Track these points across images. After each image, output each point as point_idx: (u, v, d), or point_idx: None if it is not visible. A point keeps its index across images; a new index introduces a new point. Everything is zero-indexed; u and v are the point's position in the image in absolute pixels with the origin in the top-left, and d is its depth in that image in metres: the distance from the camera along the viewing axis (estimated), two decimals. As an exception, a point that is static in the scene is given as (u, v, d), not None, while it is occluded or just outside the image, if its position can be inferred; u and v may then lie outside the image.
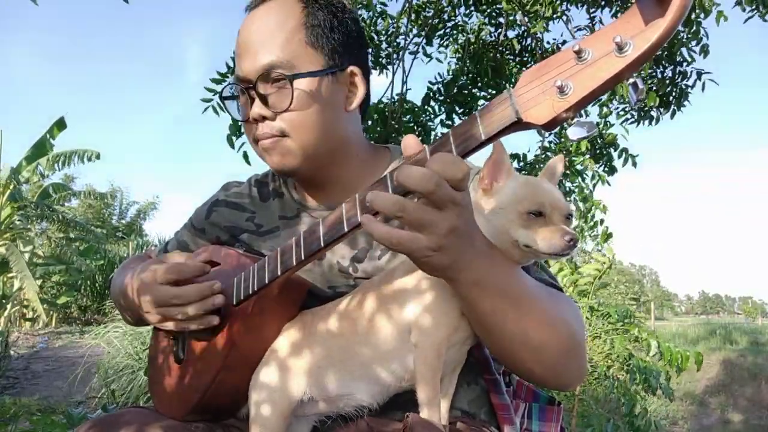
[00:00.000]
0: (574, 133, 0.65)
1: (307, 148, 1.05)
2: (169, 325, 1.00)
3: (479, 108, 0.71)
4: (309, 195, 1.18)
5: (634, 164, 3.71)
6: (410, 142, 0.75)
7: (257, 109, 1.01)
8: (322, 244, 0.82)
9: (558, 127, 0.67)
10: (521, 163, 3.94)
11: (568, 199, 3.61)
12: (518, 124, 0.67)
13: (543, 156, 3.81)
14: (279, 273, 0.90)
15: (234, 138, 2.91)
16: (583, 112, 0.68)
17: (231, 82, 1.09)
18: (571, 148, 3.72)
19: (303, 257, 0.86)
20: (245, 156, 2.95)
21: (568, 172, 3.69)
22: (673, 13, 0.57)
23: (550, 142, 4.00)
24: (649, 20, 0.59)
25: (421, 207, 0.71)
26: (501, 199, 0.83)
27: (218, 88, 2.87)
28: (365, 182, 0.81)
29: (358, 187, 1.03)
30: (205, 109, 2.87)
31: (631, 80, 0.61)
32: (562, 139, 3.94)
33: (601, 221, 3.68)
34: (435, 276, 0.83)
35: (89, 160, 11.92)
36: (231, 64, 2.88)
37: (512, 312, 0.83)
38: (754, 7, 3.38)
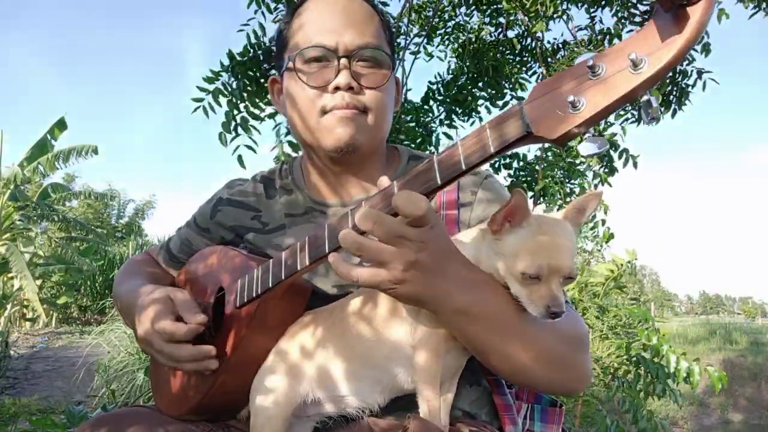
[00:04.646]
0: (585, 148, 0.64)
1: (379, 130, 1.11)
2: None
3: (489, 119, 0.71)
4: (323, 191, 1.18)
5: (635, 165, 3.70)
6: (382, 181, 0.81)
7: (347, 79, 1.04)
8: (326, 249, 0.82)
9: (569, 142, 0.66)
10: (521, 163, 3.93)
11: (569, 199, 3.59)
12: (529, 138, 0.66)
13: (544, 156, 3.80)
14: (283, 277, 0.89)
15: (226, 136, 2.82)
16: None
17: (308, 46, 1.06)
18: (571, 149, 3.71)
19: (308, 262, 0.85)
20: (240, 159, 2.90)
21: (568, 172, 3.68)
22: (690, 31, 0.56)
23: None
24: (665, 38, 0.58)
25: (376, 245, 0.75)
26: (504, 246, 0.81)
27: (211, 87, 2.79)
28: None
29: (373, 187, 1.07)
30: (195, 110, 2.76)
31: (645, 98, 0.60)
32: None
33: (603, 221, 3.66)
34: (411, 305, 0.84)
35: (87, 154, 11.92)
36: (226, 62, 2.83)
37: (500, 338, 0.83)
38: (756, 3, 3.37)
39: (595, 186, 3.65)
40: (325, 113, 1.06)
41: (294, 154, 2.98)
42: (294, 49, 1.09)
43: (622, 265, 3.27)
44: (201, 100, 2.79)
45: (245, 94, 2.85)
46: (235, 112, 2.84)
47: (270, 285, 0.92)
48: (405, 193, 0.74)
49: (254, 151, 2.91)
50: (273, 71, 2.70)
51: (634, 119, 4.00)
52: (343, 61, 1.04)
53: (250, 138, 2.88)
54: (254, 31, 2.89)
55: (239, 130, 2.85)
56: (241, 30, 2.92)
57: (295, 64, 1.08)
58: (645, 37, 0.60)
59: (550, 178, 3.50)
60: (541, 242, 0.79)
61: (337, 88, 1.04)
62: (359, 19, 1.08)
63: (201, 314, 0.97)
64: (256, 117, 2.90)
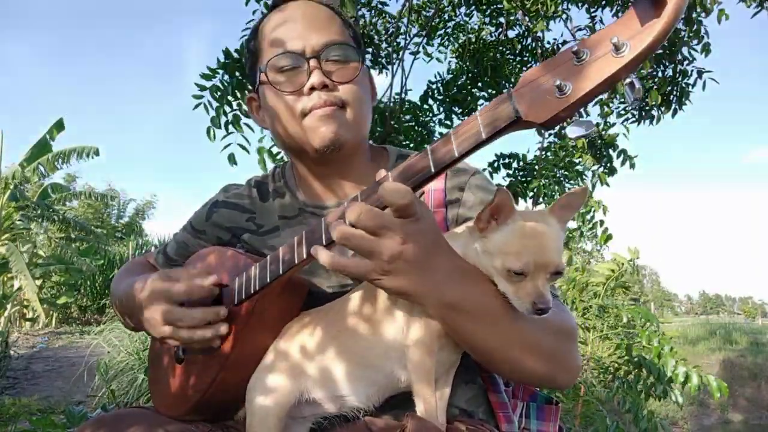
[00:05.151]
0: (572, 131, 0.66)
1: (360, 124, 1.12)
2: (172, 342, 1.00)
3: (480, 108, 0.72)
4: (316, 193, 1.19)
5: (632, 166, 3.70)
6: (380, 173, 0.81)
7: (320, 78, 1.05)
8: (324, 242, 0.83)
9: (557, 126, 0.68)
10: (521, 163, 3.94)
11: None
12: (518, 123, 0.68)
13: (543, 156, 3.80)
14: (281, 272, 0.90)
15: (214, 131, 2.86)
16: (582, 111, 0.69)
17: (276, 55, 1.08)
18: (570, 149, 3.71)
19: (305, 256, 0.86)
20: (230, 158, 2.91)
21: (567, 173, 3.68)
22: (668, 15, 0.59)
23: (549, 143, 3.99)
24: (645, 22, 0.61)
25: (362, 235, 0.76)
26: (490, 243, 0.82)
27: (208, 84, 2.83)
28: (369, 182, 0.83)
29: (362, 186, 1.07)
30: (196, 106, 2.80)
31: (628, 80, 0.63)
32: (562, 140, 3.93)
33: (601, 222, 3.67)
34: (400, 298, 0.85)
35: (88, 156, 11.92)
36: (223, 59, 2.85)
37: (490, 332, 0.84)
38: (759, 2, 3.36)
39: (594, 186, 3.66)
40: (305, 115, 1.07)
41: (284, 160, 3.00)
42: (264, 62, 1.11)
43: (623, 264, 3.26)
44: (201, 97, 2.82)
45: (238, 92, 2.87)
46: (227, 108, 2.86)
47: (268, 280, 0.92)
48: (390, 184, 0.75)
49: (247, 150, 2.93)
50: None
51: (634, 119, 4.00)
52: (313, 62, 1.06)
53: (242, 136, 2.91)
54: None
55: (230, 127, 2.88)
56: (243, 36, 2.94)
57: (268, 75, 1.09)
58: (626, 23, 0.63)
59: (547, 179, 3.50)
60: (526, 239, 0.79)
61: (312, 89, 1.06)
62: (321, 20, 1.11)
63: (211, 275, 0.98)
64: (248, 115, 2.92)
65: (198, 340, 0.96)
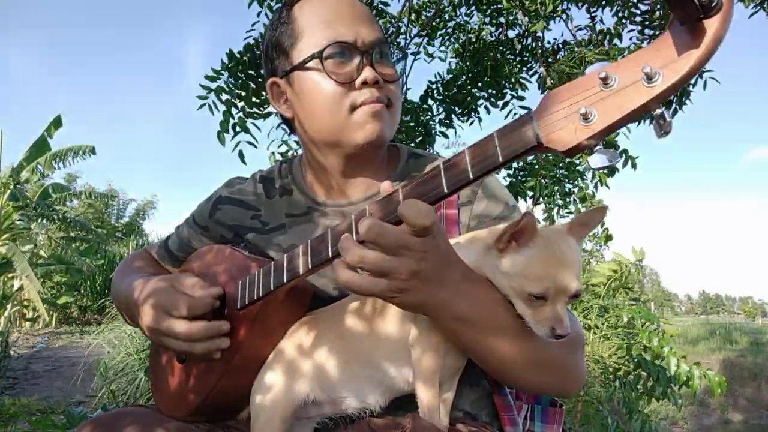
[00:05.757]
0: (595, 161, 0.62)
1: (396, 125, 1.12)
2: (173, 350, 1.00)
3: (498, 128, 0.68)
4: (326, 190, 1.17)
5: (634, 166, 3.69)
6: (385, 187, 0.80)
7: (374, 74, 1.04)
8: (330, 255, 0.82)
9: (578, 154, 0.64)
10: (521, 163, 3.93)
11: (567, 199, 3.58)
12: (538, 148, 0.65)
13: (544, 156, 3.79)
14: (285, 280, 0.89)
15: (224, 135, 2.87)
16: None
17: (331, 43, 1.04)
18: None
19: (310, 266, 0.85)
20: (241, 155, 2.92)
21: (567, 172, 3.67)
22: (707, 45, 0.55)
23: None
24: (681, 51, 0.56)
25: (379, 256, 0.74)
26: (510, 265, 0.80)
27: (213, 85, 2.83)
28: (381, 180, 0.82)
29: (374, 185, 1.09)
30: (200, 107, 2.81)
31: (658, 111, 0.58)
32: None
33: (602, 223, 3.66)
34: (412, 312, 0.84)
35: (84, 155, 11.92)
36: (226, 61, 2.86)
37: (498, 343, 0.83)
38: (758, 2, 3.35)
39: (595, 186, 3.65)
40: (354, 109, 1.04)
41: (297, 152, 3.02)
42: (307, 48, 1.07)
43: (626, 264, 3.25)
44: (205, 98, 2.82)
45: (243, 93, 2.88)
46: (234, 111, 2.88)
47: (272, 288, 0.91)
48: (412, 203, 0.72)
49: (255, 146, 2.95)
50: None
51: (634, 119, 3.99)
52: (366, 56, 1.04)
53: (251, 135, 2.94)
54: (261, 33, 2.91)
55: (237, 129, 2.90)
56: (248, 36, 2.95)
57: (323, 61, 1.04)
58: (660, 50, 0.58)
59: (547, 178, 3.48)
60: (548, 263, 0.78)
61: (364, 83, 1.03)
62: (366, 16, 1.10)
63: (214, 287, 0.97)
64: (251, 115, 2.93)
65: (199, 353, 0.96)
